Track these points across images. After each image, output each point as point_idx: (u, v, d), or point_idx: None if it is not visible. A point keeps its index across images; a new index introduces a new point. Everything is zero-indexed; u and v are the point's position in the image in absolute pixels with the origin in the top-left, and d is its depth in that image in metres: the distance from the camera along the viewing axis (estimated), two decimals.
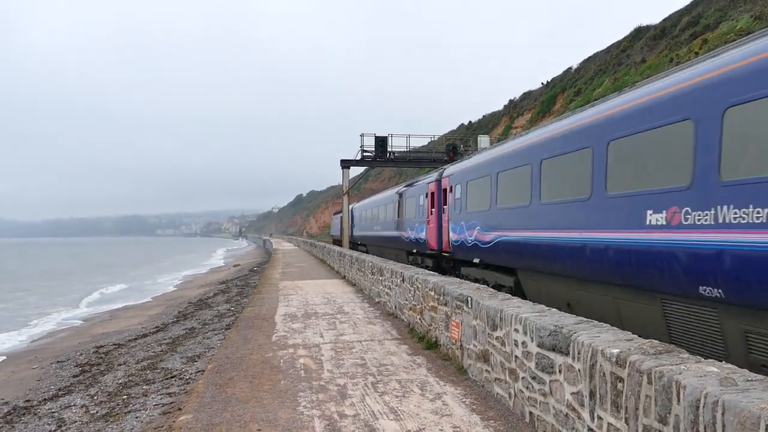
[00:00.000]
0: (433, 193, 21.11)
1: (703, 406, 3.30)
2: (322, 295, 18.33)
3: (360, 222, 41.25)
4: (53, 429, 9.68)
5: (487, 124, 77.23)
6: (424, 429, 5.91)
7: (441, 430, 5.88)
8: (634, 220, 8.43)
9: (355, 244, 41.94)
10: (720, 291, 6.79)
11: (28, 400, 12.26)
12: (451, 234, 18.49)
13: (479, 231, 15.64)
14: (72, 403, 11.21)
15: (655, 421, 3.80)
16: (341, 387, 7.53)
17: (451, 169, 19.91)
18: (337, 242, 53.29)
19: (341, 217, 52.16)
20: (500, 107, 78.96)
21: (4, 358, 19.32)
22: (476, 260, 16.02)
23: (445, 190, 19.88)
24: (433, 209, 20.97)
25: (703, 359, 3.99)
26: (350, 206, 41.03)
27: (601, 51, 57.55)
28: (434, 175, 21.90)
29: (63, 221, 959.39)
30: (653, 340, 4.58)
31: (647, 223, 8.12)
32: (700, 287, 7.08)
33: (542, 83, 67.95)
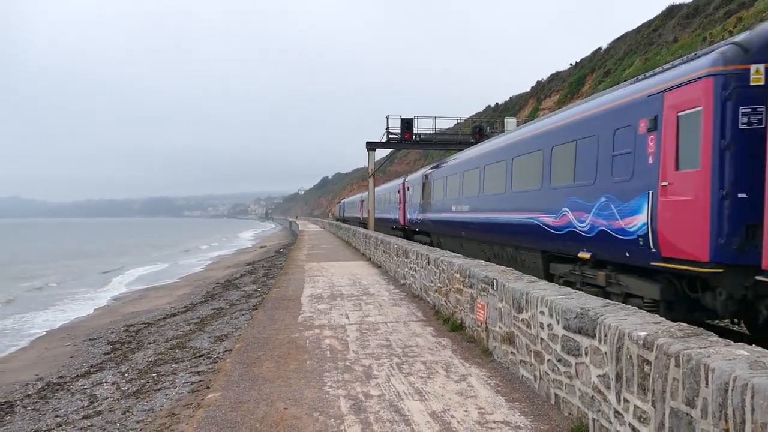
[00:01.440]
0: (400, 191, 34.41)
1: (732, 390, 3.26)
2: (347, 276, 18.42)
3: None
4: (86, 405, 9.92)
5: (514, 105, 76.49)
6: (449, 410, 5.94)
7: (466, 411, 5.90)
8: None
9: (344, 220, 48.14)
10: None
11: (61, 377, 12.57)
12: (407, 215, 31.42)
13: (417, 213, 28.44)
14: (103, 380, 11.47)
15: (683, 404, 3.77)
16: (366, 367, 7.59)
17: (409, 177, 33.99)
18: (339, 221, 76.12)
19: (340, 205, 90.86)
20: (527, 88, 78.13)
21: (44, 333, 19.81)
22: (417, 229, 28.94)
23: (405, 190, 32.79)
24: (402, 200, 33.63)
25: (732, 342, 3.95)
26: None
27: (632, 30, 56.48)
28: (401, 180, 36.00)
29: (93, 202, 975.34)
30: (681, 323, 4.54)
31: None
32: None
33: (571, 64, 67.02)
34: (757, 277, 7.24)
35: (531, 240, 14.20)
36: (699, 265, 8.10)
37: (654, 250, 9.03)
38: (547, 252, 13.63)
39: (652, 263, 9.16)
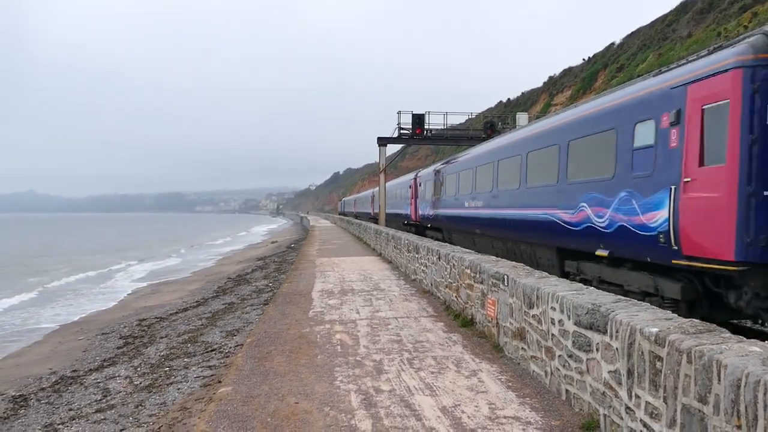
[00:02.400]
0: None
1: (745, 386, 3.24)
2: (358, 272, 18.44)
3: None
4: (99, 398, 10.01)
5: (526, 101, 76.17)
6: (459, 405, 5.94)
7: (476, 406, 5.90)
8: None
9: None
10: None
11: (74, 370, 12.69)
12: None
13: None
14: (116, 374, 11.57)
15: (695, 401, 3.75)
16: (377, 362, 7.60)
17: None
18: (341, 214, 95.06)
19: (341, 203, 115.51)
20: (539, 84, 77.77)
21: (57, 327, 19.98)
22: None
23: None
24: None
25: (745, 339, 3.92)
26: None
27: (645, 25, 56.10)
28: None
29: (106, 197, 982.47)
30: (694, 320, 4.51)
31: None
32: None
33: (583, 59, 66.64)
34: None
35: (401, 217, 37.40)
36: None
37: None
38: (404, 221, 34.49)
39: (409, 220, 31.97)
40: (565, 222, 12.28)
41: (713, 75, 8.16)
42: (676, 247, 8.67)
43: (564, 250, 12.91)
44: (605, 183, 10.79)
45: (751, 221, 7.47)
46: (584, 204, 11.59)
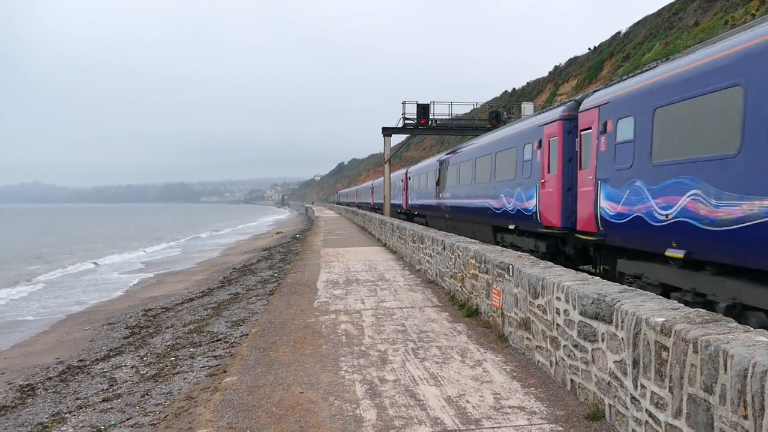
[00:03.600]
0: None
1: (751, 376, 3.23)
2: (363, 262, 18.45)
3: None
4: (105, 388, 10.05)
5: (531, 90, 75.80)
6: (464, 395, 5.94)
7: (481, 396, 5.90)
8: None
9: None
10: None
11: (81, 360, 12.74)
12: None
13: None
14: (123, 364, 11.61)
15: (701, 391, 3.74)
16: (382, 352, 7.60)
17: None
18: (337, 204, 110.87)
19: (337, 194, 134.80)
20: (545, 73, 77.36)
21: (64, 317, 20.07)
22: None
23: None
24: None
25: (752, 329, 3.90)
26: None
27: (652, 14, 55.66)
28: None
29: (111, 188, 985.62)
30: (700, 309, 4.49)
31: None
32: None
33: (589, 48, 66.22)
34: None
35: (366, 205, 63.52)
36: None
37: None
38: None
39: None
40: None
41: (552, 122, 14.52)
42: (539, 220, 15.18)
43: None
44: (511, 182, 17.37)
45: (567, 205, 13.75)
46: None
